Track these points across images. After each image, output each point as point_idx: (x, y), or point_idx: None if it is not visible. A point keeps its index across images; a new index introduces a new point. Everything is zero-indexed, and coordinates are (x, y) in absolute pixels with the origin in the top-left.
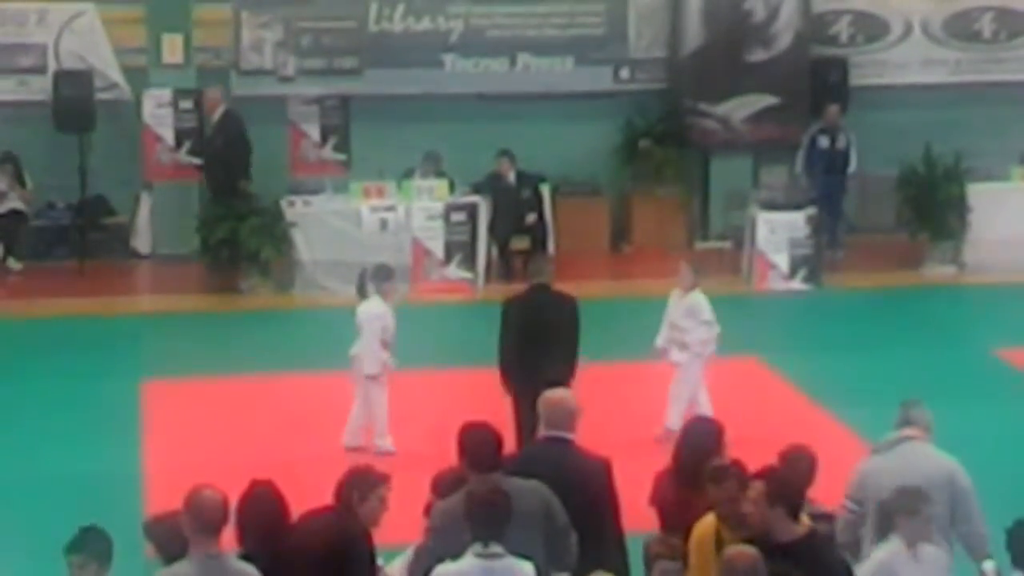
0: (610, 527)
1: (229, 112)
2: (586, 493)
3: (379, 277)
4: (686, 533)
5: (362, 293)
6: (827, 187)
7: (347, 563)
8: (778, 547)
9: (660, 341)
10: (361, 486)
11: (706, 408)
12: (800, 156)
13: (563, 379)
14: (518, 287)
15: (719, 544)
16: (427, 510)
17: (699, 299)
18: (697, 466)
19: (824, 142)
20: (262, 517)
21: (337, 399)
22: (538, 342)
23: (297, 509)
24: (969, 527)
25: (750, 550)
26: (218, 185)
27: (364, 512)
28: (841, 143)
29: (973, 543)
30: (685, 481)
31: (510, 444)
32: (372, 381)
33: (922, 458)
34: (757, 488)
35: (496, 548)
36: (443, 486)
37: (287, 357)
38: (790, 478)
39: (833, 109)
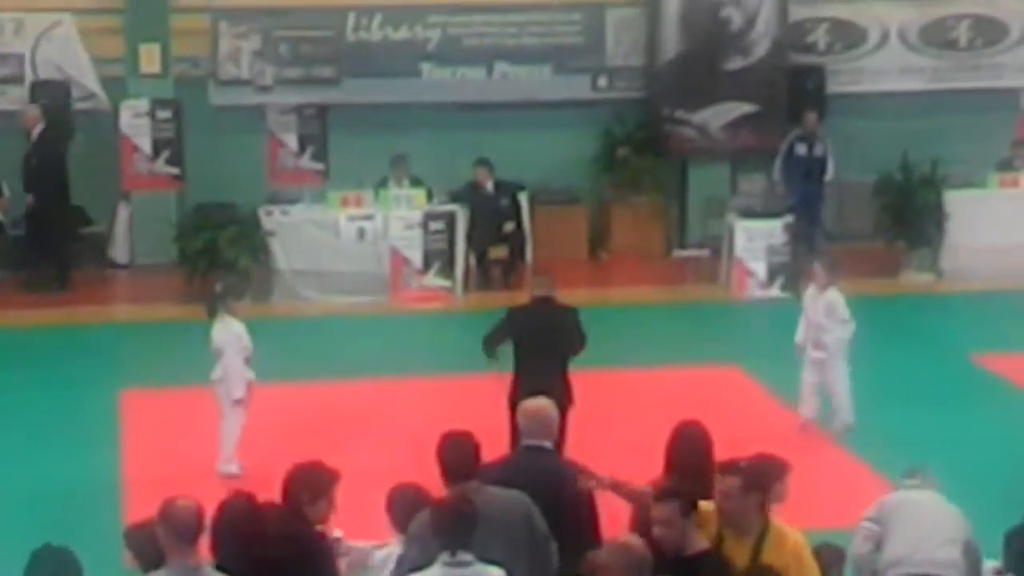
0: (589, 536)
1: (45, 132)
2: (565, 501)
3: (227, 295)
4: None
5: (213, 313)
6: (805, 194)
7: (306, 567)
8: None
9: (799, 338)
10: (312, 487)
11: (843, 402)
12: (778, 163)
13: (566, 388)
14: (495, 296)
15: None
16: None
17: (836, 297)
18: (687, 473)
19: (802, 149)
20: (237, 529)
21: (316, 409)
22: (543, 352)
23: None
24: (974, 555)
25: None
26: (38, 207)
27: (312, 512)
28: (819, 150)
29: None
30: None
31: (505, 452)
32: (237, 404)
33: (941, 500)
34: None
35: (464, 556)
36: (395, 501)
37: (265, 367)
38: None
39: (811, 117)
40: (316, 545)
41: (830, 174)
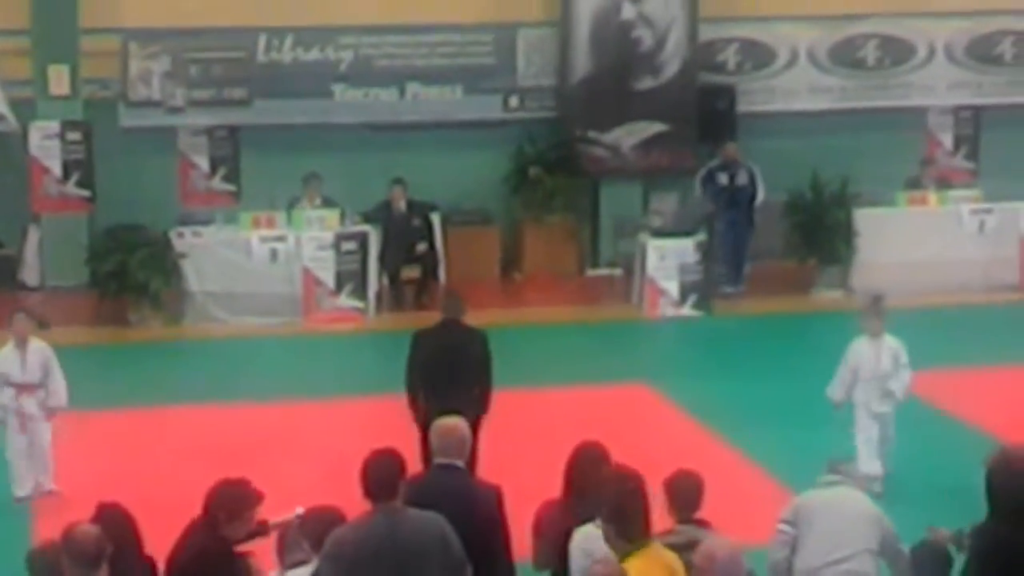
0: (501, 555)
1: None
2: (477, 521)
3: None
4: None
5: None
6: (731, 223)
7: None
8: None
9: (838, 394)
10: (230, 506)
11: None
12: (696, 189)
13: (476, 412)
14: (408, 316)
15: None
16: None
17: (897, 342)
18: (586, 493)
19: (723, 179)
20: (110, 538)
21: (228, 430)
22: (449, 375)
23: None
24: (896, 560)
25: None
26: None
27: (229, 531)
28: (742, 178)
29: (900, 568)
30: (574, 511)
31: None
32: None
33: (858, 498)
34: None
35: None
36: (308, 522)
37: (178, 389)
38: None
39: (731, 147)
40: (223, 560)
41: (760, 198)
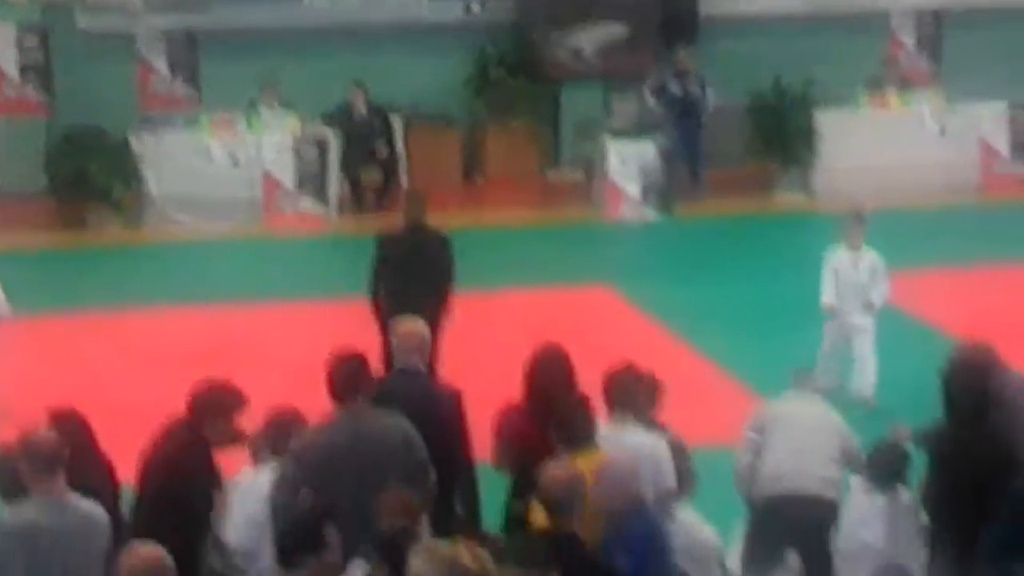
0: (461, 458)
1: None
2: (437, 423)
3: None
4: (533, 468)
5: None
6: (683, 131)
7: (188, 488)
8: None
9: (828, 299)
10: (215, 407)
11: (872, 373)
12: (647, 96)
13: (437, 315)
14: (369, 219)
15: None
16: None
17: (876, 256)
18: (547, 399)
19: (676, 88)
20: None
21: (189, 334)
22: (414, 278)
23: (140, 445)
24: (855, 463)
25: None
26: None
27: (211, 433)
28: (694, 89)
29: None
30: (534, 414)
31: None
32: None
33: (821, 408)
34: None
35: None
36: (271, 424)
37: (137, 293)
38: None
39: (682, 54)
40: (202, 462)
41: (708, 109)
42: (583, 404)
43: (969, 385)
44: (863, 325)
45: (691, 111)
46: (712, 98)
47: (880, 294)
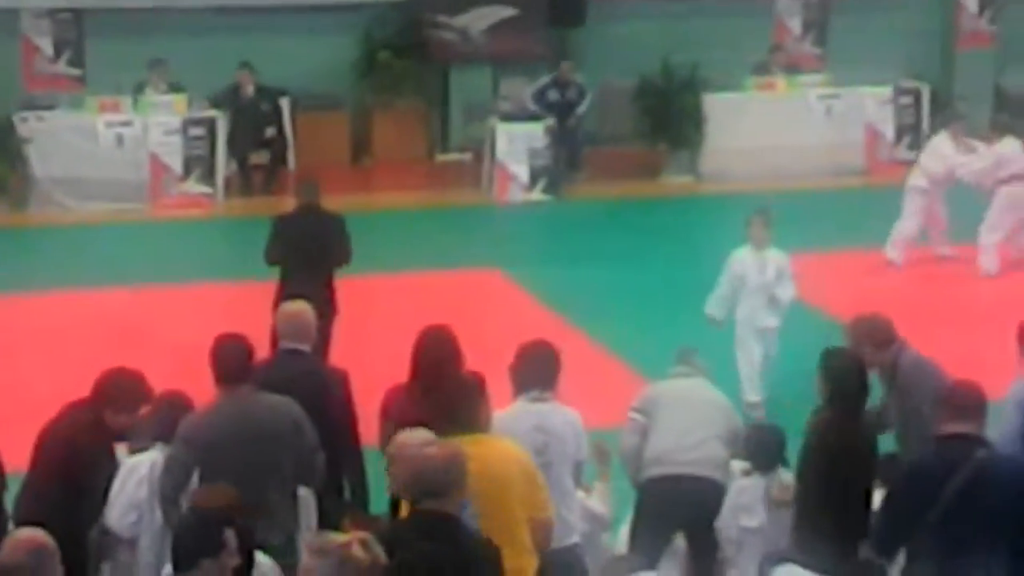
0: (347, 438)
1: None
2: (324, 405)
3: None
4: None
5: None
6: (561, 134)
7: (87, 472)
8: None
9: (713, 308)
10: (122, 397)
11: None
12: (528, 102)
13: (331, 297)
14: (257, 202)
15: None
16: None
17: (783, 255)
18: (433, 380)
19: (554, 95)
20: None
21: (75, 318)
22: (309, 260)
23: (23, 430)
24: (740, 443)
25: None
26: None
27: (113, 422)
28: (572, 94)
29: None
30: (422, 393)
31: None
32: None
33: (707, 389)
34: None
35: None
36: (158, 408)
37: (22, 277)
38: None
39: (566, 66)
40: (101, 449)
41: (582, 108)
42: (471, 385)
43: (844, 371)
44: (773, 325)
45: (566, 115)
46: (587, 105)
47: (787, 293)
